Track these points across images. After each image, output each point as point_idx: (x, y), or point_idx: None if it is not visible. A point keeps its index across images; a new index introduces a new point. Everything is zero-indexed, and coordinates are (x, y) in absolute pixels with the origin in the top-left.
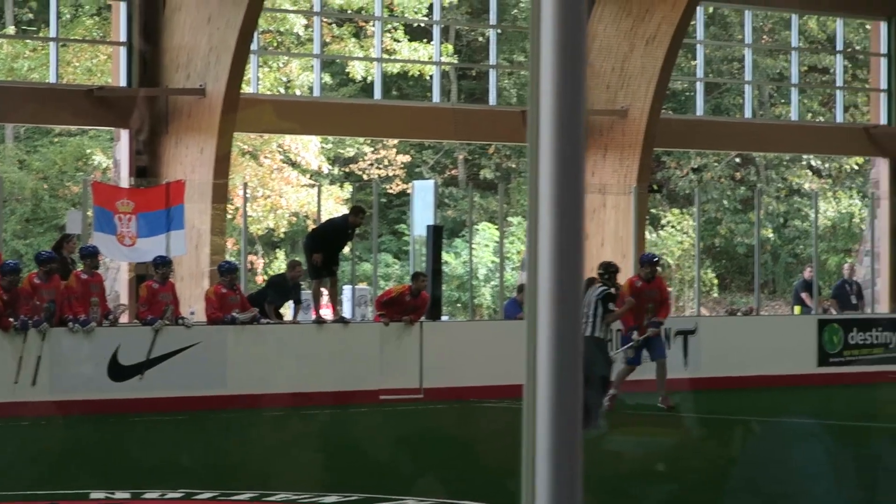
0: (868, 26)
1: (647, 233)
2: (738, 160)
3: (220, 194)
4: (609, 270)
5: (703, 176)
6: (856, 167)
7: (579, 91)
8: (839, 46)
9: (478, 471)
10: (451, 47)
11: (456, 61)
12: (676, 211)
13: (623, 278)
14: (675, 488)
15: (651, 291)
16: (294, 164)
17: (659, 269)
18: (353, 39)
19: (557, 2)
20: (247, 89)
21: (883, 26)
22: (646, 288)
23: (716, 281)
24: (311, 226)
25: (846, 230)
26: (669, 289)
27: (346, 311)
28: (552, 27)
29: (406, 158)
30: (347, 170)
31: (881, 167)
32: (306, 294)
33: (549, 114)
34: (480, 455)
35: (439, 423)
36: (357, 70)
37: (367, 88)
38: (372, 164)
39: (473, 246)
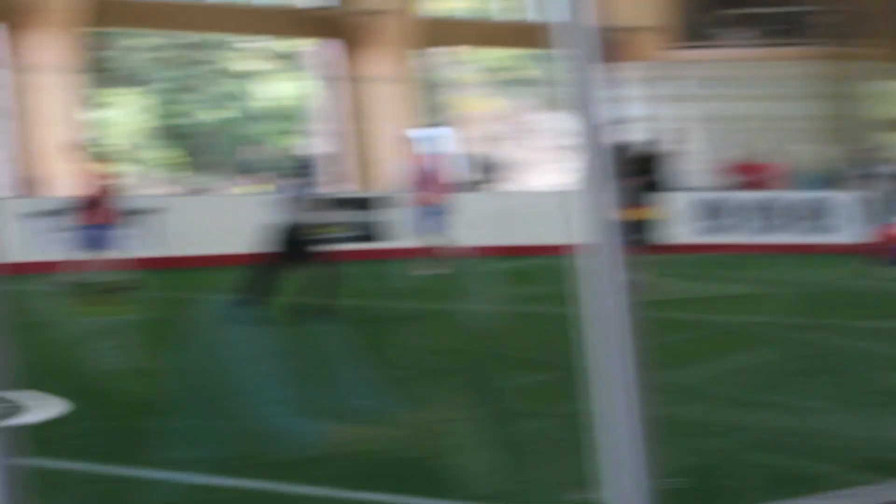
0: None
1: (92, 113)
2: (196, 41)
3: None
4: None
5: (156, 56)
6: (297, 49)
7: None
8: None
9: None
10: None
11: None
12: (125, 91)
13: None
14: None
15: None
16: None
17: None
18: None
19: None
20: None
21: None
22: None
23: (179, 160)
24: None
25: (293, 111)
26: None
27: None
28: None
29: None
30: None
31: (332, 49)
32: None
33: None
34: None
35: None
36: None
37: None
38: None
39: None
